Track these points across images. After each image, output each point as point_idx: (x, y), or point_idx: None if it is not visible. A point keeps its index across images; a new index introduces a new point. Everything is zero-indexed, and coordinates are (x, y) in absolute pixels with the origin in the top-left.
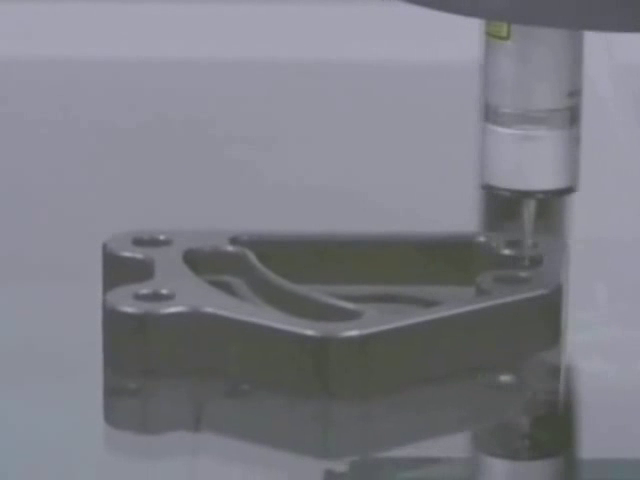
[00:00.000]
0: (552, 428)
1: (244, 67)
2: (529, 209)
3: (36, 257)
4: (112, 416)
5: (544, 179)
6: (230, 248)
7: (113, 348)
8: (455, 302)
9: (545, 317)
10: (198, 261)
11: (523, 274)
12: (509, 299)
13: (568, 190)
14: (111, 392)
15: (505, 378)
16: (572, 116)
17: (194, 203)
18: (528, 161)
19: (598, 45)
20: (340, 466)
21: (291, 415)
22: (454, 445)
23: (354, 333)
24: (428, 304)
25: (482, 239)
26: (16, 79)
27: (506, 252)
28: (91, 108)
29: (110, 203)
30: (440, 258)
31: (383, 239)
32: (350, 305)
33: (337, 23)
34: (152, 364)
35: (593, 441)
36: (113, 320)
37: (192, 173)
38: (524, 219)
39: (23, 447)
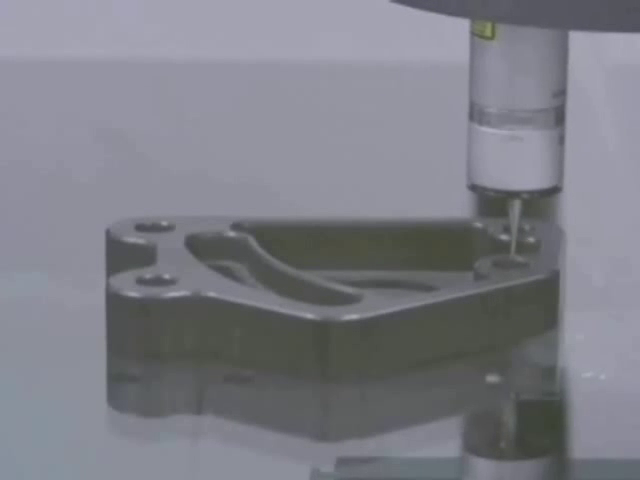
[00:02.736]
0: (543, 428)
1: (226, 67)
2: (514, 209)
3: (40, 243)
4: (115, 399)
5: (529, 179)
6: (232, 234)
7: (116, 332)
8: (454, 287)
9: (542, 302)
10: (200, 246)
11: (521, 259)
12: (507, 284)
13: (553, 190)
14: (114, 376)
15: (492, 378)
16: (557, 116)
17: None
18: (513, 161)
19: (589, 45)
20: (326, 465)
21: (291, 398)
22: (442, 445)
23: (354, 317)
24: (427, 289)
25: (480, 225)
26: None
27: (503, 237)
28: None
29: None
30: (438, 244)
31: (383, 225)
32: (350, 289)
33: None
34: (154, 348)
35: (583, 441)
36: (116, 304)
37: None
38: (510, 219)
39: (26, 430)
